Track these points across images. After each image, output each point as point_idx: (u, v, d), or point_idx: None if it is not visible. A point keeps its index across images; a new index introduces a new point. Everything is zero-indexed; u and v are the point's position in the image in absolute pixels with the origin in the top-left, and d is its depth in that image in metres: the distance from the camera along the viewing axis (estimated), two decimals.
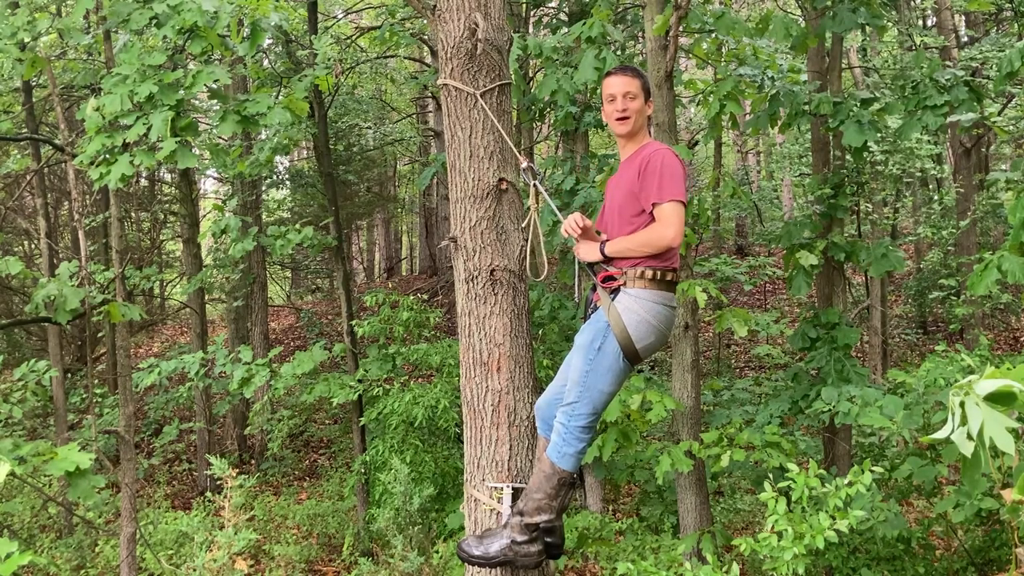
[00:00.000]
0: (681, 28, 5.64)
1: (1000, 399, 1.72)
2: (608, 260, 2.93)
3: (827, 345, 6.33)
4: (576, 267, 3.34)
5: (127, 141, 4.86)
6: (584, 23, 5.74)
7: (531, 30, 10.54)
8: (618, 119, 3.04)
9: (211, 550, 5.85)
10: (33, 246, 14.99)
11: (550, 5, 9.41)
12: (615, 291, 2.94)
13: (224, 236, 8.70)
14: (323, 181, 9.44)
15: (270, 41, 9.31)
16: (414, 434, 7.50)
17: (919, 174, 13.64)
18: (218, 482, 7.99)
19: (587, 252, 3.00)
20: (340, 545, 8.53)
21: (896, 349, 13.47)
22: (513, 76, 4.53)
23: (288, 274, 21.01)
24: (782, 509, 3.69)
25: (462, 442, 3.34)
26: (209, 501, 9.48)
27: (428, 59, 16.07)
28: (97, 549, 8.16)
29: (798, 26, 6.38)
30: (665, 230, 2.82)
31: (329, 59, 6.98)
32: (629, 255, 2.90)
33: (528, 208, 3.23)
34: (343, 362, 9.30)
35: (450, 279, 15.31)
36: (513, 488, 3.13)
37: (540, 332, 8.06)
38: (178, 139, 4.78)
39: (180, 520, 7.62)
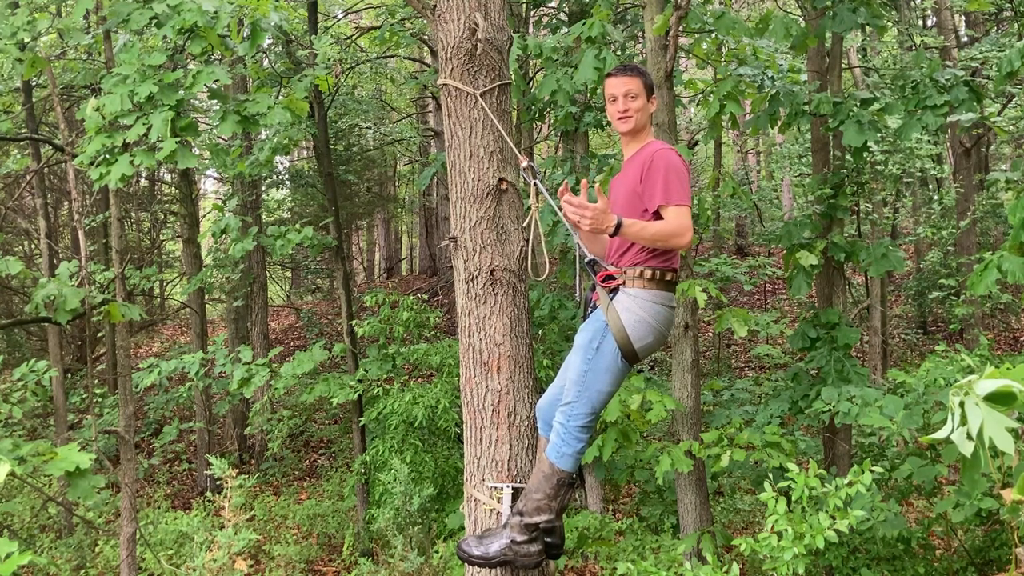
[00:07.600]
0: (681, 28, 5.64)
1: (1000, 399, 1.72)
2: (616, 233, 2.75)
3: (827, 345, 6.33)
4: (576, 267, 3.33)
5: (127, 141, 4.86)
6: (584, 23, 5.73)
7: (531, 30, 10.54)
8: (620, 118, 3.05)
9: (211, 550, 5.85)
10: (33, 246, 14.99)
11: (550, 5, 9.40)
12: (614, 291, 2.94)
13: (224, 236, 8.71)
14: (323, 181, 9.44)
15: (270, 41, 9.30)
16: (414, 434, 7.50)
17: (919, 174, 13.65)
18: (218, 482, 8.00)
19: (604, 220, 2.72)
20: (340, 545, 8.53)
21: (896, 349, 13.47)
22: (513, 76, 4.53)
23: (288, 274, 21.00)
24: (782, 509, 3.69)
25: (462, 442, 3.34)
26: (209, 501, 9.49)
27: (428, 59, 16.06)
28: (97, 549, 8.17)
29: (798, 26, 6.37)
30: (682, 235, 2.79)
31: (329, 59, 6.97)
32: (639, 240, 2.83)
33: (528, 208, 3.22)
34: (343, 362, 9.30)
35: (450, 279, 15.30)
36: (513, 488, 3.13)
37: (540, 332, 8.06)
38: (178, 139, 4.77)
39: (180, 520, 7.63)
